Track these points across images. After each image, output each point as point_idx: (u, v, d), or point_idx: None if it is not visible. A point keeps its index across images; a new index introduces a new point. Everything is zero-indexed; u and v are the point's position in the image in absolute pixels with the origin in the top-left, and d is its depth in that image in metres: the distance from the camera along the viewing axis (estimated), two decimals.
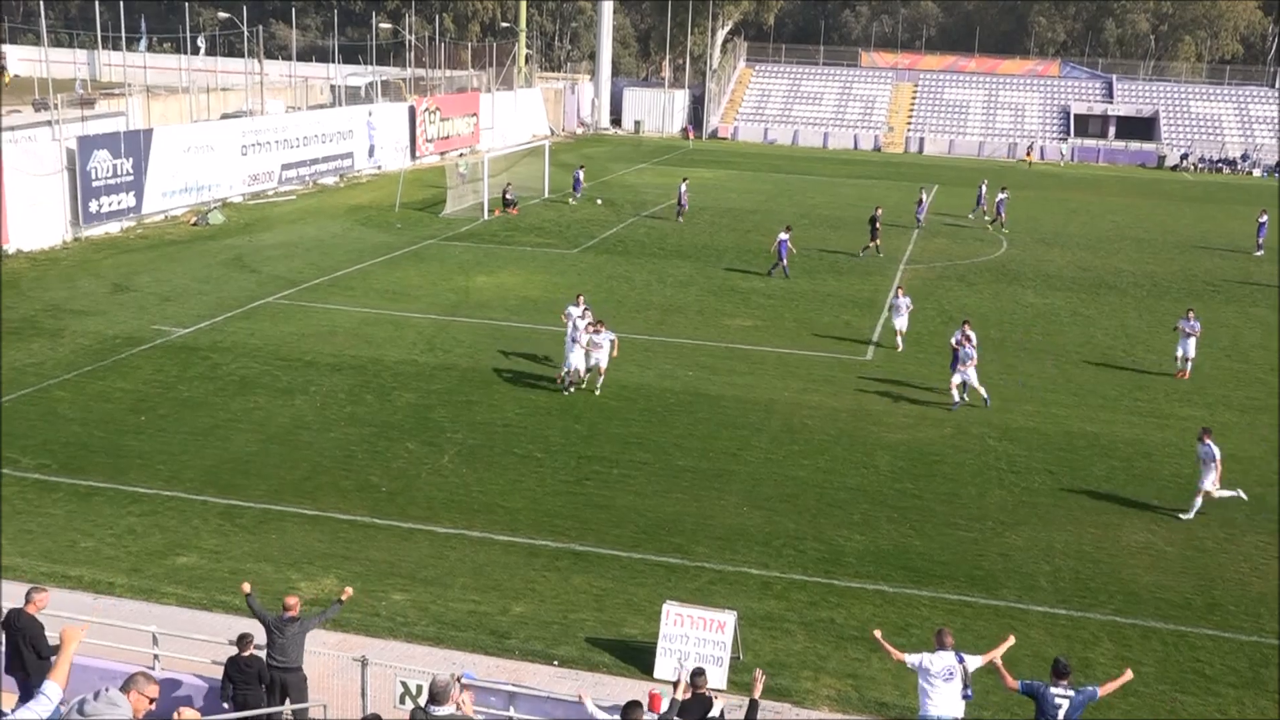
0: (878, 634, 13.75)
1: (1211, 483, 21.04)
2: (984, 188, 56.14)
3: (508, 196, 51.92)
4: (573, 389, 26.50)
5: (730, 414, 25.51)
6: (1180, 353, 29.80)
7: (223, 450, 22.56)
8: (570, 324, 26.65)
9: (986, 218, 53.88)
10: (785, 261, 39.83)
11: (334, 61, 70.44)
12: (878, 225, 45.13)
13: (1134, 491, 22.28)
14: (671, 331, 32.27)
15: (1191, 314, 30.29)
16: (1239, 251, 49.37)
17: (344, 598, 14.09)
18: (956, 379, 26.55)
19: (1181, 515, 21.07)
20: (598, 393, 26.32)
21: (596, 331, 26.45)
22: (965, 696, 13.00)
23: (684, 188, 52.96)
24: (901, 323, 31.31)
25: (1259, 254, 48.55)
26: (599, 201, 55.25)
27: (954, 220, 54.53)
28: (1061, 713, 12.51)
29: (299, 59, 71.73)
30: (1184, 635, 17.03)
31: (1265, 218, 49.80)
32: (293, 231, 45.30)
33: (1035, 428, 25.64)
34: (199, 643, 14.63)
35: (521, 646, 16.02)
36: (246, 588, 14.22)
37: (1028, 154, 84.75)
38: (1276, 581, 18.76)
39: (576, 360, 26.37)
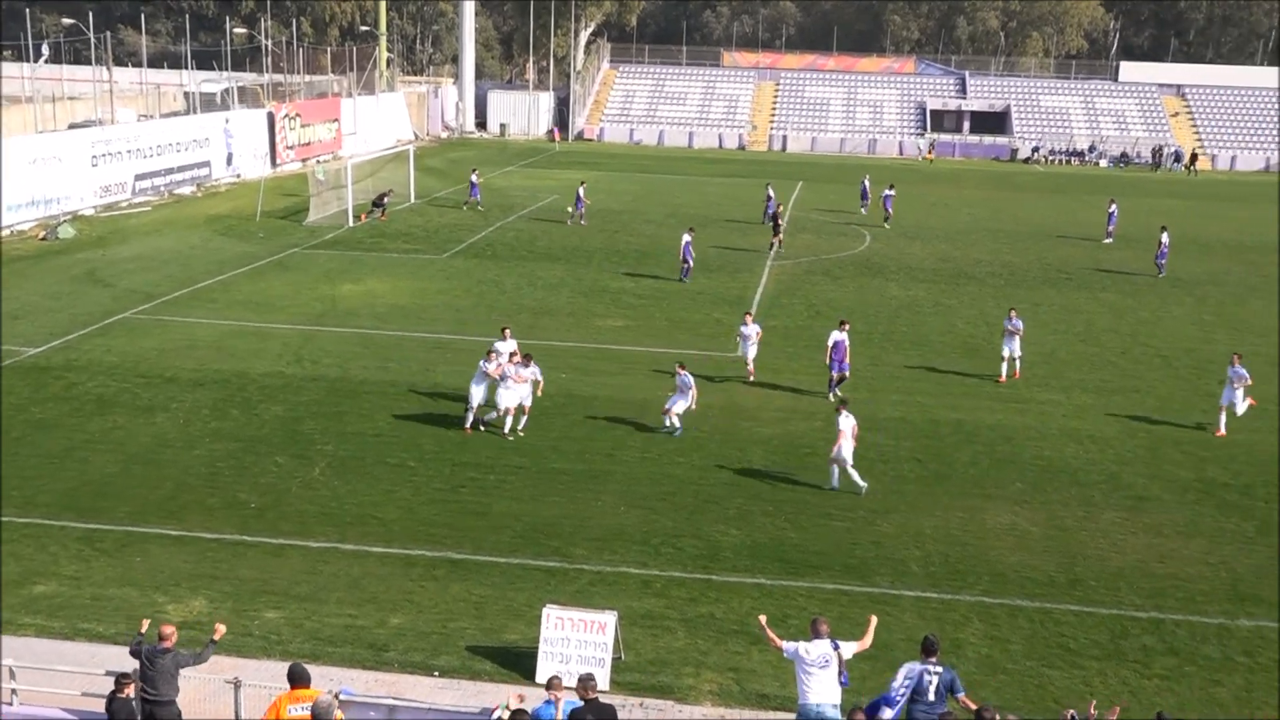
0: (763, 619, 13.95)
1: (1239, 400, 25.49)
2: (867, 183, 57.76)
3: (384, 200, 51.51)
4: (482, 428, 24.55)
5: (605, 415, 25.54)
6: (1006, 352, 29.01)
7: (81, 472, 21.77)
8: (494, 361, 24.48)
9: (864, 213, 55.39)
10: (690, 263, 39.77)
11: (187, 68, 68.53)
12: (780, 221, 46.80)
13: (998, 475, 22.97)
14: (544, 334, 32.19)
15: (1014, 313, 29.63)
16: (1089, 240, 51.31)
17: (216, 637, 13.51)
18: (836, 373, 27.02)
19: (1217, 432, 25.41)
20: (521, 433, 24.34)
21: (525, 365, 24.61)
22: (842, 683, 13.22)
23: (582, 191, 52.99)
24: (751, 352, 28.72)
25: (1108, 241, 50.58)
26: (465, 207, 54.81)
27: (832, 216, 55.48)
28: (931, 689, 12.86)
29: (150, 65, 69.51)
30: (1049, 612, 17.61)
31: (1114, 207, 51.91)
32: (149, 244, 43.95)
33: (902, 417, 26.25)
34: (63, 674, 14.11)
35: (401, 659, 15.80)
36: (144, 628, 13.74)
37: (929, 152, 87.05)
38: (1133, 556, 19.54)
39: (507, 400, 24.06)
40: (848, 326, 27.91)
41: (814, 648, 13.10)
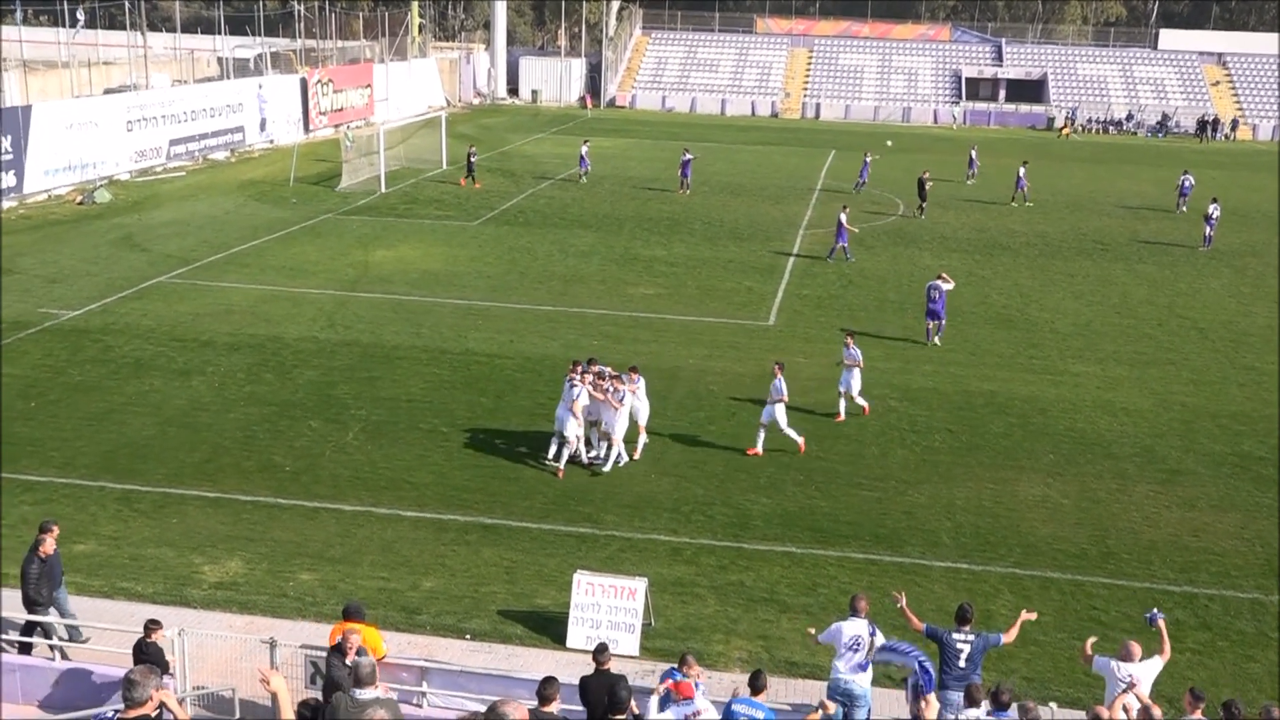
0: (811, 631, 13.90)
1: None
2: (974, 154, 57.50)
3: (472, 160, 51.84)
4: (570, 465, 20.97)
5: None
6: (842, 388, 24.00)
7: (118, 434, 22.03)
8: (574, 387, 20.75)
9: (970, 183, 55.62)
10: (845, 242, 38.67)
11: (221, 33, 68.61)
12: (926, 187, 47.66)
13: (1030, 447, 22.89)
14: (575, 302, 32.24)
15: (851, 339, 24.34)
16: (1127, 209, 50.76)
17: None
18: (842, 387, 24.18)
19: None
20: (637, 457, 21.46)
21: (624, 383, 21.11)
22: (862, 666, 13.17)
23: (585, 150, 53.50)
24: (855, 385, 24.08)
25: (1182, 211, 50.13)
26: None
27: (870, 185, 55.18)
28: (963, 657, 12.90)
29: (183, 31, 69.63)
30: (1080, 584, 17.59)
31: (1188, 179, 51.62)
32: (184, 209, 44.22)
33: (934, 388, 26.17)
34: (101, 630, 14.37)
35: (433, 621, 15.96)
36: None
37: (1066, 125, 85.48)
38: (1166, 530, 19.46)
39: (573, 430, 20.63)
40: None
41: (849, 627, 13.12)
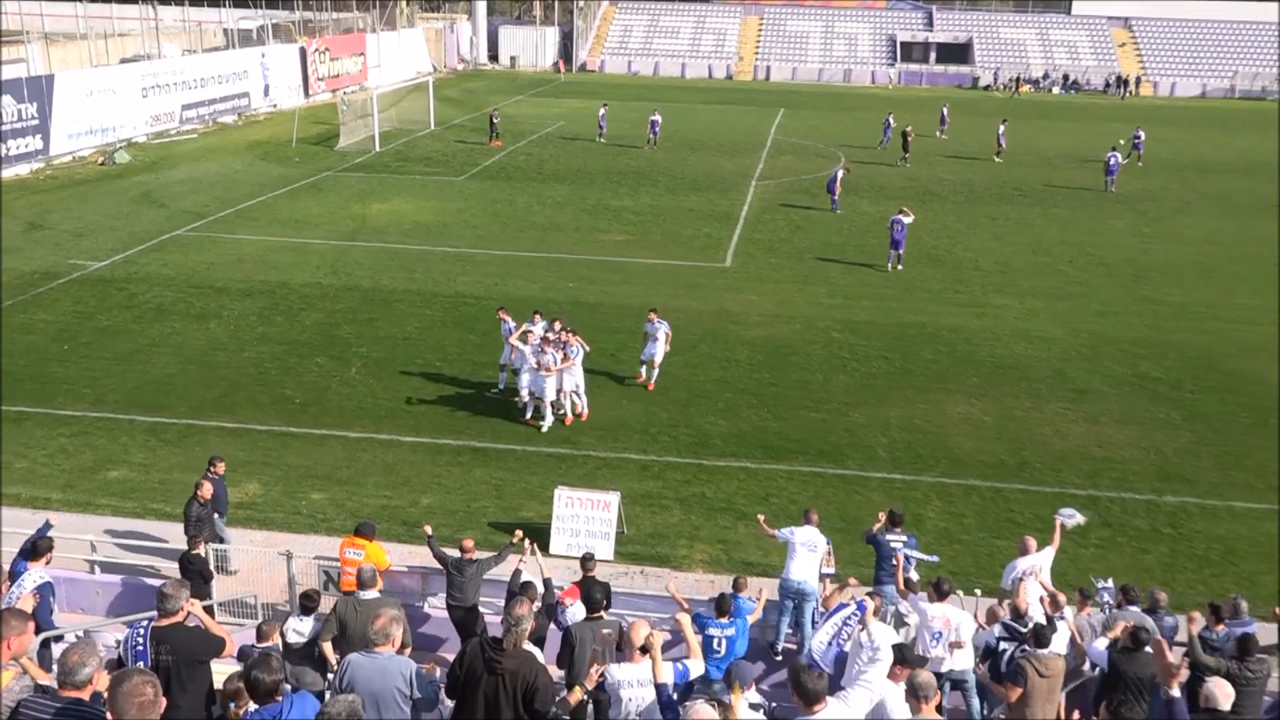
0: (761, 519, 14.10)
1: None
2: (891, 120, 54.41)
3: (495, 121, 51.19)
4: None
5: (608, 319, 25.58)
6: (645, 355, 21.70)
7: (144, 373, 21.91)
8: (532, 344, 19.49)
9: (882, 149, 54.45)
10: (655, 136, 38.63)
11: (225, 6, 67.06)
12: (909, 139, 48.54)
13: (956, 372, 23.13)
14: (552, 248, 32.11)
15: (654, 314, 21.67)
16: (1042, 158, 50.73)
17: (514, 539, 12.96)
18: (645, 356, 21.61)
19: None
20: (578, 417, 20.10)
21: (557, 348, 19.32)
22: (824, 573, 13.37)
23: (603, 112, 53.16)
24: (659, 354, 21.56)
25: (1140, 165, 48.95)
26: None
27: (812, 140, 54.88)
28: (899, 554, 13.14)
29: (191, 4, 67.98)
30: (999, 490, 17.90)
31: (1141, 133, 50.92)
32: (196, 168, 43.54)
33: (872, 320, 26.33)
34: (136, 546, 14.45)
35: (423, 531, 16.07)
36: (428, 529, 13.33)
37: (1019, 85, 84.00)
38: (1074, 442, 19.79)
39: (549, 389, 19.33)
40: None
41: (801, 532, 13.32)
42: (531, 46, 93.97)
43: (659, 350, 21.39)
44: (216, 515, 14.52)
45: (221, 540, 14.44)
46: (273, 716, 6.55)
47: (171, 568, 13.61)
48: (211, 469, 14.72)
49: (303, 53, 63.67)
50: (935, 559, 14.10)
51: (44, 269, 28.64)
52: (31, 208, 35.68)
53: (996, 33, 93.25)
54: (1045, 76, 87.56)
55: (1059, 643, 10.85)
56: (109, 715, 5.57)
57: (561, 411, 19.91)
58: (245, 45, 61.48)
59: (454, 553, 12.80)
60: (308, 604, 11.14)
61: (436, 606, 13.55)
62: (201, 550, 13.06)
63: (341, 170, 43.81)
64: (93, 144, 45.53)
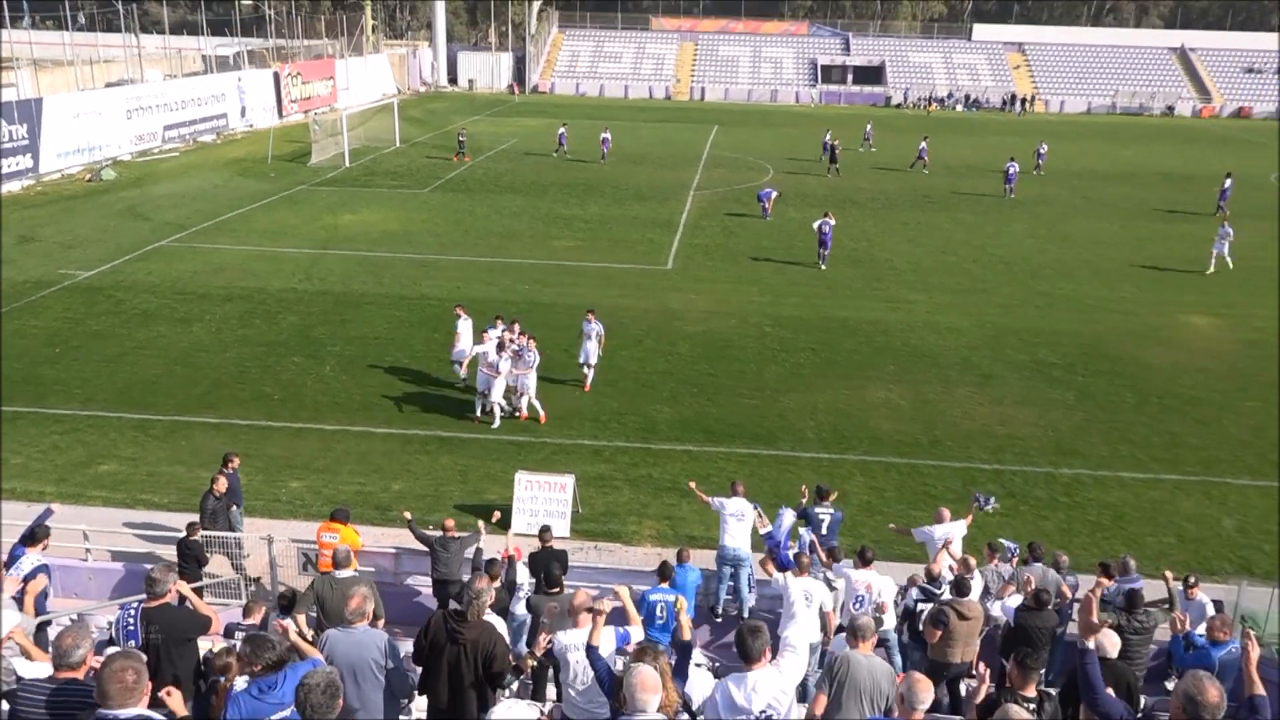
0: (693, 484, 14.15)
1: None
2: (828, 138, 53.64)
3: (461, 139, 50.49)
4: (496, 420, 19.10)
5: (561, 318, 25.42)
6: (582, 358, 20.99)
7: (132, 373, 21.41)
8: (489, 349, 18.85)
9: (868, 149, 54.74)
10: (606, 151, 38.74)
11: (203, 34, 65.82)
12: (836, 152, 48.15)
13: (875, 360, 23.33)
14: (509, 254, 31.88)
15: (593, 315, 21.19)
16: (948, 169, 51.30)
17: (494, 520, 13.47)
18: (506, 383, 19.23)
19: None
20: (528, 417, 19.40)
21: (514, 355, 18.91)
22: (768, 537, 13.35)
23: (562, 131, 52.75)
24: (593, 355, 20.91)
25: (1039, 173, 49.33)
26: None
27: (742, 154, 55.01)
28: (824, 525, 13.22)
29: (171, 32, 66.51)
30: (915, 466, 18.08)
31: (1044, 147, 51.53)
32: (178, 184, 42.63)
33: (800, 315, 26.47)
34: (126, 535, 14.11)
35: (402, 517, 15.88)
36: (407, 515, 13.33)
37: (929, 104, 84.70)
38: (980, 421, 20.04)
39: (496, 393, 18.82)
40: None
41: (731, 504, 13.35)
42: (488, 70, 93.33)
43: (593, 350, 20.97)
44: (234, 507, 14.16)
45: (232, 527, 14.05)
46: (270, 686, 6.57)
47: (161, 552, 13.33)
48: (227, 465, 14.37)
49: (276, 77, 62.61)
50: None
51: (36, 278, 27.88)
52: (23, 222, 34.72)
53: (906, 56, 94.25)
54: (950, 95, 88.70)
55: (976, 591, 11.07)
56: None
57: (514, 410, 19.44)
58: (223, 70, 60.40)
59: (436, 533, 12.71)
60: (284, 604, 10.90)
61: (408, 584, 13.39)
62: (198, 537, 12.81)
63: (314, 185, 43.13)
64: (80, 162, 44.41)
